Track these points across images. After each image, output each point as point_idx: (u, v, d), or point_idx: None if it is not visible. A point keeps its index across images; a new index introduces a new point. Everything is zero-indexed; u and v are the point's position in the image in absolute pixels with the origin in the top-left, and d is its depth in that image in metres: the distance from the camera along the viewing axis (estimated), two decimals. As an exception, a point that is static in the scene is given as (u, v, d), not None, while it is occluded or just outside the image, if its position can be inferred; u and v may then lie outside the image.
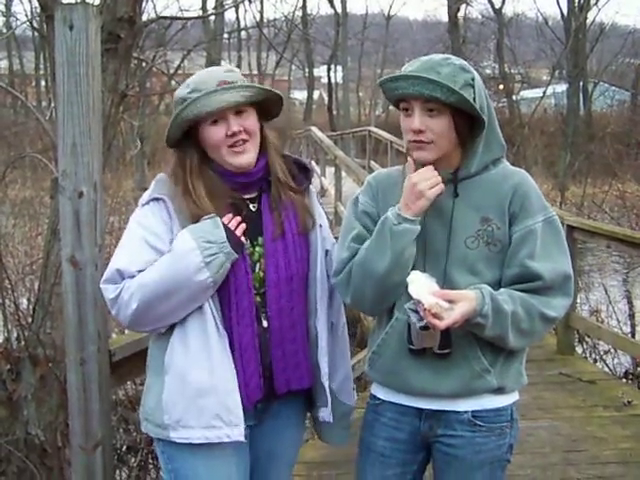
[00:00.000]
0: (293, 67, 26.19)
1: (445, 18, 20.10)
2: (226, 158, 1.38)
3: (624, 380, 4.56)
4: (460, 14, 18.83)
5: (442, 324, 1.23)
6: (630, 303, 7.25)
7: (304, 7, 22.24)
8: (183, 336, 1.35)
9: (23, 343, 3.23)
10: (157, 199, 1.38)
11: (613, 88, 18.79)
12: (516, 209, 1.32)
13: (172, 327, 1.37)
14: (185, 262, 1.30)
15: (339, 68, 22.48)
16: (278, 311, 1.39)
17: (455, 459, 1.36)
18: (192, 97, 1.34)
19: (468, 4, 19.51)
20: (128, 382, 3.68)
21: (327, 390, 1.45)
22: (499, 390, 1.35)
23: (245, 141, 1.38)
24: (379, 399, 1.43)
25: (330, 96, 23.60)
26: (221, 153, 1.38)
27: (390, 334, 1.37)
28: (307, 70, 24.05)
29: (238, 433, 1.35)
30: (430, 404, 1.36)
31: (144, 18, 4.20)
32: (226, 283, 1.35)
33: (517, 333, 1.30)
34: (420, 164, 1.34)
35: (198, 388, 1.34)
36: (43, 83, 19.04)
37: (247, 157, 1.39)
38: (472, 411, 1.35)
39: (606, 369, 4.73)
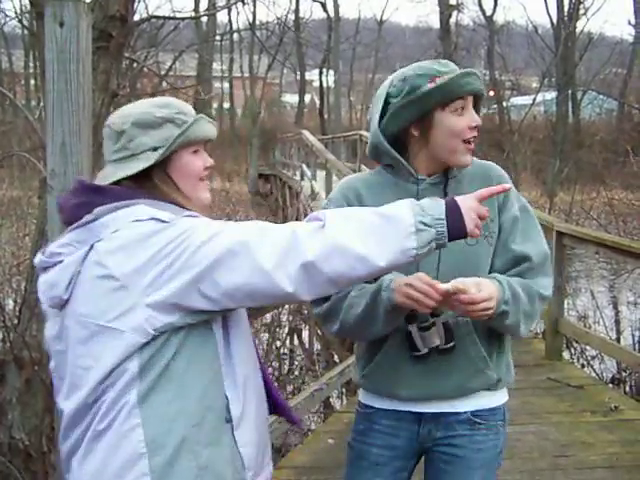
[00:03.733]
0: (285, 70, 26.19)
1: (437, 24, 20.24)
2: (200, 193, 1.25)
3: (611, 385, 4.60)
4: (452, 20, 18.98)
5: (476, 296, 1.18)
6: (616, 309, 7.32)
7: (297, 11, 22.27)
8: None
9: (8, 345, 3.18)
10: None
11: (601, 97, 18.97)
12: (500, 199, 1.36)
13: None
14: (394, 222, 1.07)
15: (331, 72, 22.53)
16: None
17: (456, 458, 1.37)
18: (187, 120, 1.21)
19: (460, 11, 19.70)
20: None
21: None
22: (496, 384, 1.37)
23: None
24: (372, 407, 1.42)
25: (322, 100, 23.62)
26: (196, 186, 1.24)
27: (391, 345, 1.35)
28: (299, 74, 24.06)
29: None
30: (429, 407, 1.36)
31: (136, 18, 4.18)
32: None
33: (524, 317, 1.33)
34: (461, 169, 1.36)
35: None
36: (32, 82, 18.88)
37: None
38: (471, 411, 1.36)
39: (593, 374, 4.76)
